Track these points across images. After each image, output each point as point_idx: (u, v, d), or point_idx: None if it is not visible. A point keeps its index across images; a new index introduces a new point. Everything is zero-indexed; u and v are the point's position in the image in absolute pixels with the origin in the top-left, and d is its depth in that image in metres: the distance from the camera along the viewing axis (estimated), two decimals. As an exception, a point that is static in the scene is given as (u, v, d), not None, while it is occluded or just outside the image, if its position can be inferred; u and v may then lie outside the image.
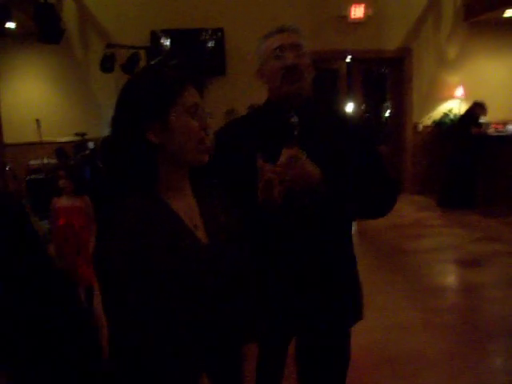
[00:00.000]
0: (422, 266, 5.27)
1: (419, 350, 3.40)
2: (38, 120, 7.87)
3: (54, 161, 8.11)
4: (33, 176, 7.96)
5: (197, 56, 8.32)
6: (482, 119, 7.90)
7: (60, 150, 8.02)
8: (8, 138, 7.50)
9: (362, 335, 3.60)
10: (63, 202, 3.89)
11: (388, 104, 9.90)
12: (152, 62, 1.43)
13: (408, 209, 8.02)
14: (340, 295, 1.81)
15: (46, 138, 8.02)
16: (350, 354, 1.92)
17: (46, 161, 8.09)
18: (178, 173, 1.27)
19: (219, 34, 8.39)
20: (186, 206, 1.28)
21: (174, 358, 1.15)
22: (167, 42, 8.34)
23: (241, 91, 8.04)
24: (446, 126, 8.87)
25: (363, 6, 8.61)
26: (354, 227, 2.44)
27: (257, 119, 1.86)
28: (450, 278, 5.21)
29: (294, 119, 1.73)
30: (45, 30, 6.15)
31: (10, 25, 7.09)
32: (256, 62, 1.84)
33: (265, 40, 1.82)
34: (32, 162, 8.13)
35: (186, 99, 1.23)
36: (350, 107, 9.42)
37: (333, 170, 1.69)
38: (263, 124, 1.80)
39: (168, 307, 1.16)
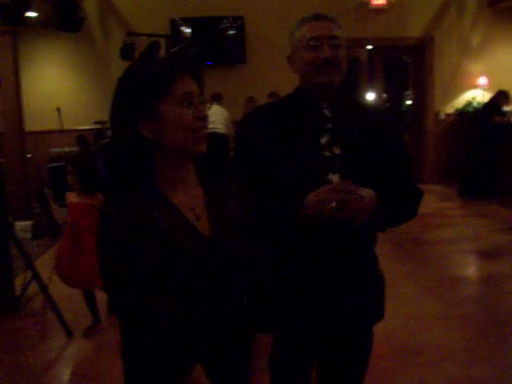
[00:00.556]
0: (441, 257, 5.23)
1: (437, 340, 3.37)
2: (58, 108, 7.94)
3: (75, 149, 8.19)
4: (54, 164, 8.06)
5: (217, 44, 8.31)
6: (506, 108, 7.76)
7: (81, 137, 8.09)
8: (29, 126, 7.60)
9: (379, 325, 3.59)
10: (73, 198, 3.74)
11: (409, 92, 9.79)
12: (142, 53, 1.42)
13: (428, 198, 7.93)
14: (367, 295, 1.78)
15: (66, 126, 8.09)
16: (370, 353, 1.91)
17: (67, 149, 8.17)
18: (178, 164, 1.25)
19: (239, 21, 8.36)
20: (187, 197, 1.26)
21: (171, 347, 1.16)
22: (187, 30, 8.34)
23: (261, 79, 8.03)
24: (468, 114, 8.75)
25: (385, -8, 8.52)
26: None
27: (287, 109, 1.76)
28: (470, 268, 5.15)
29: (327, 112, 1.70)
30: (64, 19, 6.19)
31: (31, 14, 7.17)
32: (289, 48, 1.75)
33: (299, 27, 1.70)
34: (53, 150, 8.22)
35: (177, 89, 1.19)
36: (371, 96, 9.34)
37: (373, 173, 1.64)
38: (294, 115, 1.72)
39: (166, 299, 1.17)
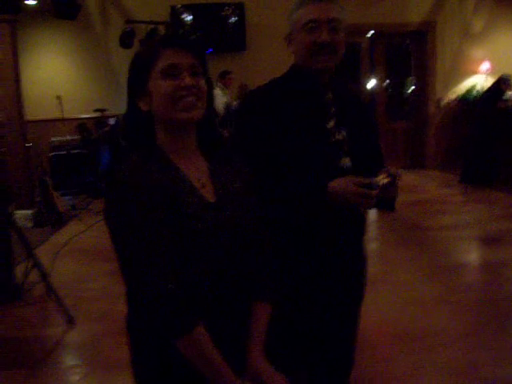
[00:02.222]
0: (441, 243, 5.23)
1: (435, 326, 3.38)
2: (58, 96, 7.93)
3: (76, 137, 8.20)
4: (55, 152, 8.06)
5: (217, 31, 8.27)
6: (508, 94, 7.71)
7: (82, 125, 8.10)
8: (30, 115, 7.59)
9: (378, 310, 3.61)
10: None
11: (412, 78, 9.73)
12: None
13: (429, 185, 7.94)
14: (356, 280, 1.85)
15: (67, 115, 8.08)
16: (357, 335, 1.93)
17: (67, 137, 8.18)
18: (177, 134, 1.31)
19: (240, 8, 8.30)
20: (192, 167, 1.32)
21: (176, 303, 1.19)
22: (188, 17, 8.29)
23: (261, 66, 7.99)
24: (470, 100, 8.70)
25: (386, -23, 8.44)
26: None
27: (289, 91, 1.72)
28: (470, 255, 5.15)
29: (329, 96, 1.70)
30: (61, 6, 6.17)
31: (30, 2, 7.14)
32: (287, 28, 1.73)
33: (298, 7, 1.67)
34: (54, 139, 8.22)
35: (160, 63, 1.26)
36: (372, 82, 9.29)
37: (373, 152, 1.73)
38: (298, 98, 1.70)
39: (170, 258, 1.20)
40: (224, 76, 7.56)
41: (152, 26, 7.80)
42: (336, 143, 1.68)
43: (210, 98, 1.35)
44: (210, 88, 1.35)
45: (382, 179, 1.60)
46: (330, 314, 1.80)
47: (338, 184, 1.58)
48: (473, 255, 5.16)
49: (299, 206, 1.64)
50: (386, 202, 1.73)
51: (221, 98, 7.29)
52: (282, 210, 1.64)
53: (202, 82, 1.30)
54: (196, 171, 1.31)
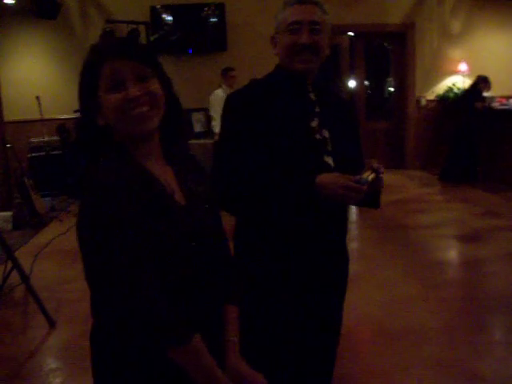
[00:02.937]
0: (422, 241, 5.28)
1: (417, 323, 3.42)
2: (38, 97, 7.83)
3: (55, 138, 8.10)
4: (34, 154, 7.97)
5: (198, 32, 8.25)
6: (486, 94, 7.83)
7: (61, 126, 8.00)
8: (8, 116, 7.49)
9: (360, 308, 3.63)
10: None
11: (391, 79, 9.82)
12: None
13: (410, 184, 8.02)
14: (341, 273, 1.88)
15: (46, 116, 7.98)
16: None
17: (46, 138, 8.08)
18: (138, 143, 1.25)
19: (220, 9, 8.29)
20: (161, 170, 1.28)
21: (164, 315, 1.15)
22: (168, 18, 8.26)
23: (242, 67, 7.97)
24: (449, 100, 8.80)
25: (365, -22, 8.50)
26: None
27: (273, 90, 1.74)
28: (450, 252, 5.22)
29: (312, 96, 1.72)
30: (41, 5, 6.10)
31: (9, 0, 7.05)
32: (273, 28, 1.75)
33: (284, 8, 1.70)
34: (33, 140, 8.12)
35: (103, 76, 1.21)
36: (352, 83, 9.35)
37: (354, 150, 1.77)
38: (282, 97, 1.72)
39: (145, 266, 1.15)
40: (226, 74, 7.38)
41: (132, 26, 7.75)
42: (319, 142, 1.70)
43: (171, 96, 1.31)
44: (169, 87, 1.30)
45: (370, 175, 1.62)
46: (314, 312, 1.81)
47: (326, 178, 1.60)
48: (452, 253, 5.22)
49: (287, 200, 1.64)
50: (371, 198, 1.75)
51: (221, 100, 7.22)
52: (269, 205, 1.65)
53: (155, 87, 1.23)
54: (164, 175, 1.28)
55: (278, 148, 1.65)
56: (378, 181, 1.66)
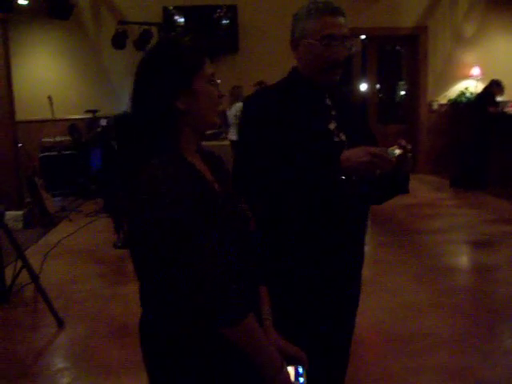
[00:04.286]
0: (433, 247, 5.24)
1: (427, 329, 3.39)
2: (50, 97, 7.88)
3: (66, 138, 8.15)
4: (46, 153, 8.01)
5: (210, 33, 8.26)
6: (499, 98, 7.76)
7: (73, 126, 8.05)
8: (20, 116, 7.54)
9: (370, 313, 3.61)
10: None
11: (403, 83, 9.77)
12: (164, 37, 1.52)
13: (421, 189, 7.97)
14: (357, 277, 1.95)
15: (58, 116, 8.03)
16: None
17: (58, 138, 8.13)
18: (196, 137, 1.39)
19: (232, 10, 8.30)
20: (204, 169, 1.37)
21: (226, 297, 1.21)
22: (180, 19, 8.28)
23: (253, 68, 8.00)
24: (461, 104, 8.74)
25: (378, -19, 8.48)
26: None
27: (291, 94, 1.74)
28: (461, 258, 5.17)
29: (328, 101, 1.74)
30: (54, 6, 6.14)
31: (23, 1, 7.09)
32: (293, 30, 1.73)
33: (313, 15, 1.66)
34: (45, 140, 8.17)
35: (206, 69, 1.35)
36: (364, 86, 9.32)
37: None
38: (299, 101, 1.72)
39: (216, 249, 1.23)
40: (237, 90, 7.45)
41: (145, 27, 7.78)
42: (338, 144, 1.70)
43: None
44: None
45: (397, 149, 1.57)
46: (331, 312, 1.81)
47: (349, 151, 1.58)
48: (464, 258, 5.18)
49: (313, 180, 1.62)
50: (399, 181, 1.75)
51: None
52: (295, 187, 1.63)
53: None
54: (206, 172, 1.37)
55: (300, 151, 1.64)
56: (405, 160, 1.61)
